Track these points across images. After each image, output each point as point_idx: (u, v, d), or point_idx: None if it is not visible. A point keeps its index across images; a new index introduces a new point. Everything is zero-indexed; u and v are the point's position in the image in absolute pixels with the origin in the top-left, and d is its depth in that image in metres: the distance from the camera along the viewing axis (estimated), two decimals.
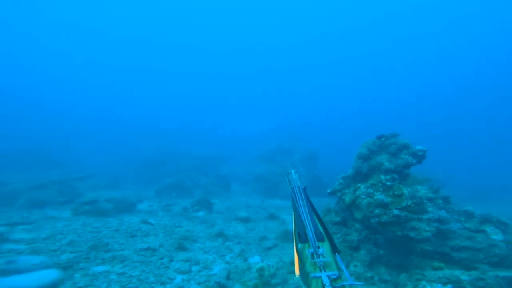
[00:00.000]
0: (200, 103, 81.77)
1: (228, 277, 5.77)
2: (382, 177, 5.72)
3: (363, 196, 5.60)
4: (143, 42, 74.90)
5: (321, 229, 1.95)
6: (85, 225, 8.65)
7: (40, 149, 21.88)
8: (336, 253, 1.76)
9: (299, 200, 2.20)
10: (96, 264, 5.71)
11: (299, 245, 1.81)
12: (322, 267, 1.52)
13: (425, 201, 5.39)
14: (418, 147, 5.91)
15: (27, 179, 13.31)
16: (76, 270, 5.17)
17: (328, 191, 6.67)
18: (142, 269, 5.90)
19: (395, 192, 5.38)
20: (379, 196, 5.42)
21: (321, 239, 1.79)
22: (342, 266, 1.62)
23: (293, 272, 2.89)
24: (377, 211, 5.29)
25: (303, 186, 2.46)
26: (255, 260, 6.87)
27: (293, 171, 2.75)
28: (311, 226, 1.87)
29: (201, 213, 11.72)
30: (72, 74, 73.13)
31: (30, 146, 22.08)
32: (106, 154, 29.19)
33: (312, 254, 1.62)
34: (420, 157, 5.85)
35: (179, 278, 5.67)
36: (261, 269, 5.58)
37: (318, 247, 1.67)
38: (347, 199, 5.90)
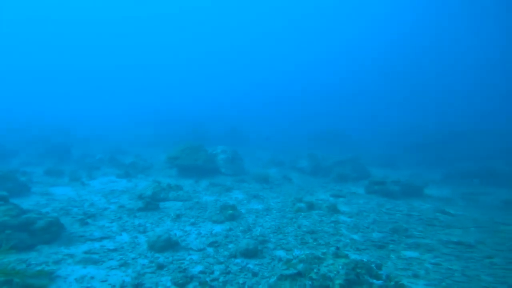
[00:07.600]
0: None
1: None
2: None
3: None
4: None
5: None
6: (379, 205, 9.89)
7: (339, 131, 31.16)
8: None
9: None
10: (403, 248, 6.29)
11: None
12: None
13: None
14: None
15: (332, 156, 17.95)
16: (389, 251, 6.11)
17: None
18: (461, 264, 5.50)
19: None
20: None
21: None
22: None
23: None
24: None
25: None
26: None
27: None
28: None
29: None
30: None
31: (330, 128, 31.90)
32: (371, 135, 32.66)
33: None
34: None
35: None
36: None
37: None
38: None
